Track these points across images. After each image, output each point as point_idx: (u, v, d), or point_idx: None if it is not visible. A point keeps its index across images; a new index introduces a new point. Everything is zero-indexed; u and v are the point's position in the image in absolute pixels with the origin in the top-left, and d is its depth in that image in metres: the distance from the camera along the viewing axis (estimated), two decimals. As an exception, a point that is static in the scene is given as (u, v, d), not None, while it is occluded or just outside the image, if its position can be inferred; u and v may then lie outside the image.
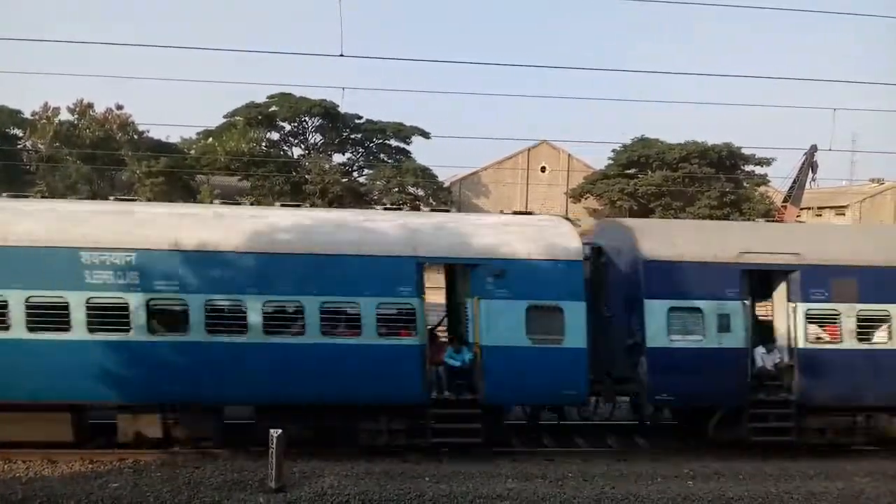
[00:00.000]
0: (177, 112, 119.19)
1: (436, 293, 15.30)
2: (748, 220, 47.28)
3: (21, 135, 48.79)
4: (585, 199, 61.02)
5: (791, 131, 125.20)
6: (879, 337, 13.64)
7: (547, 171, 65.24)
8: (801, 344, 13.40)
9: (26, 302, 11.75)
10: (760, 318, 14.92)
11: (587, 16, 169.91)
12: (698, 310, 13.14)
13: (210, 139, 52.60)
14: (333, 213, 15.75)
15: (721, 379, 13.18)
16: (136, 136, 47.69)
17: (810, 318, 13.46)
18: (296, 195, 50.43)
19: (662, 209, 55.00)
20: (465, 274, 13.26)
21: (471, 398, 12.72)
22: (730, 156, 57.04)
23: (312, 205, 46.13)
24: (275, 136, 57.96)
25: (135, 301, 11.88)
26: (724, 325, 13.15)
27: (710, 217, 50.88)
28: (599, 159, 65.89)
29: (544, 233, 13.38)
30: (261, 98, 55.43)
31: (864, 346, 13.52)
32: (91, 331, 11.84)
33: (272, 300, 12.24)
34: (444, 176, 61.13)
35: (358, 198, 52.27)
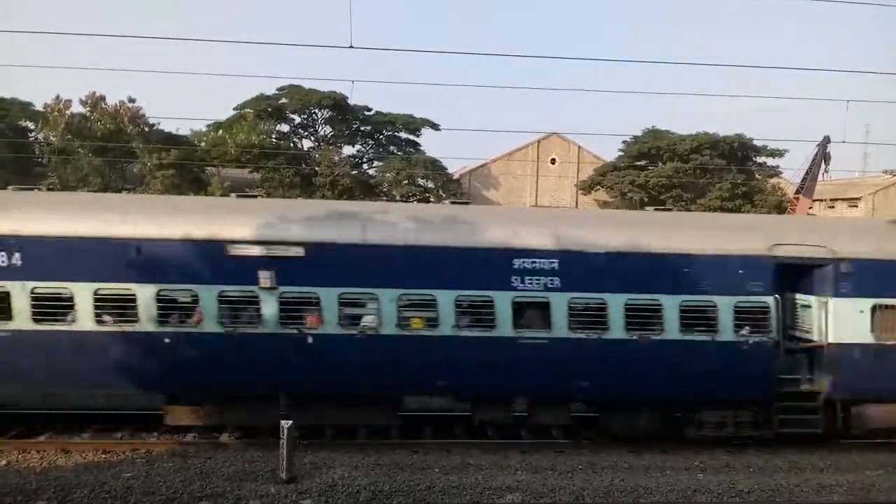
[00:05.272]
0: (187, 105, 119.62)
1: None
2: (760, 211, 46.97)
3: (33, 127, 48.99)
4: (595, 191, 60.74)
5: (804, 122, 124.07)
6: None
7: (557, 163, 65.03)
8: None
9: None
10: None
11: (594, 9, 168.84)
12: None
13: (220, 131, 52.66)
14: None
15: None
16: (146, 129, 47.78)
17: None
18: (306, 187, 50.49)
19: (673, 200, 54.70)
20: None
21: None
22: (741, 147, 56.55)
23: (322, 196, 46.21)
24: (285, 128, 57.98)
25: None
26: None
27: (721, 209, 50.52)
28: (610, 151, 65.64)
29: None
30: (270, 90, 55.57)
31: None
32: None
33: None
34: (454, 168, 61.12)
35: (368, 190, 52.29)
